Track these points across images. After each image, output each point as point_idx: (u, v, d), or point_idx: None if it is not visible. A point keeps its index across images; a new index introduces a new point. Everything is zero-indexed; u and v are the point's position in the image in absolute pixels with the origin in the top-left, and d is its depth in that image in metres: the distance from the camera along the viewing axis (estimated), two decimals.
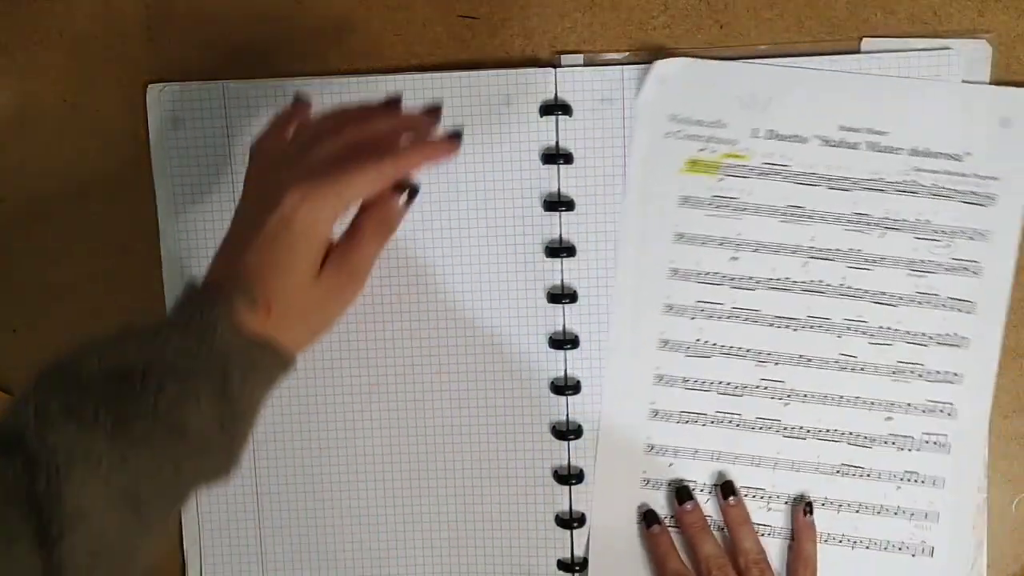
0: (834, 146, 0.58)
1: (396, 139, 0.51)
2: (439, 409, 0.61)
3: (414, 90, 0.60)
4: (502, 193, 0.60)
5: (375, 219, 0.50)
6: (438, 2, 0.59)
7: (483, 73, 0.59)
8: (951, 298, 0.59)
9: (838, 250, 0.59)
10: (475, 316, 0.60)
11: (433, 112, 0.54)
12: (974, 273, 0.58)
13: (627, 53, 0.59)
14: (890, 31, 0.58)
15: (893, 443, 0.60)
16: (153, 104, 0.61)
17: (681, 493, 0.60)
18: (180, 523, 0.63)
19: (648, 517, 0.61)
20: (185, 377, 0.45)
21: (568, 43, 0.59)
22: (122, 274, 0.63)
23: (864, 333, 0.59)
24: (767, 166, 0.58)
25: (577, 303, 0.60)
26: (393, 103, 0.53)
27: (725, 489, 0.60)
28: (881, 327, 0.59)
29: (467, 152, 0.58)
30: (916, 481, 0.60)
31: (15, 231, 0.63)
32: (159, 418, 0.44)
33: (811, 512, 0.60)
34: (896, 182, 0.58)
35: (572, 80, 0.59)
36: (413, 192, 0.52)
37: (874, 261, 0.59)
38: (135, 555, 0.45)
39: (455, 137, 0.51)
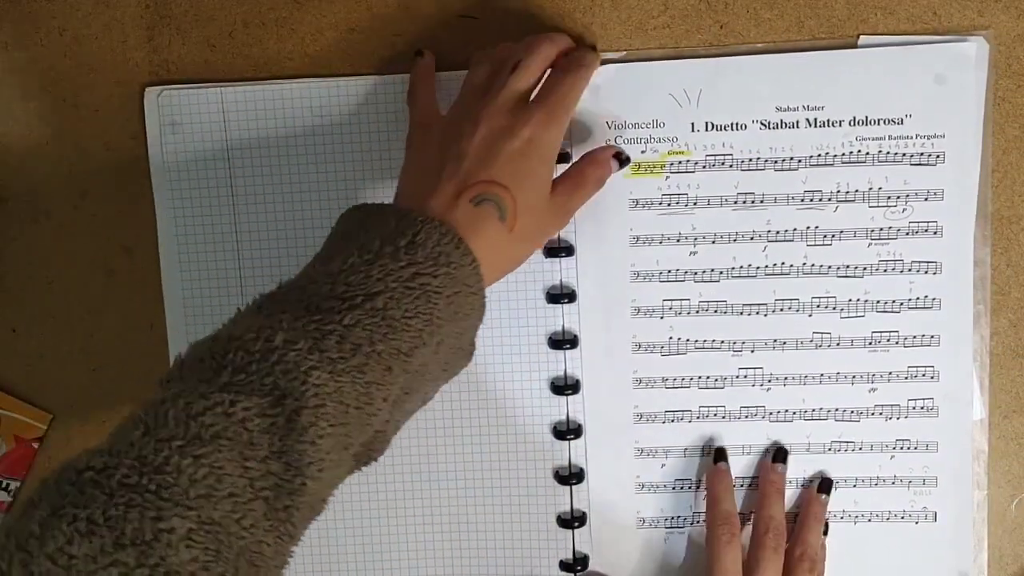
0: (774, 128, 0.57)
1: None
2: (438, 410, 0.61)
3: None
4: None
5: (597, 173, 0.55)
6: (438, 2, 0.59)
7: None
8: (916, 261, 0.58)
9: (795, 230, 0.58)
10: None
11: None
12: (935, 233, 0.58)
13: (626, 53, 0.59)
14: (890, 31, 0.57)
15: (880, 413, 0.59)
16: (151, 107, 0.61)
17: (777, 455, 0.60)
18: None
19: (719, 454, 0.60)
20: (428, 318, 0.46)
21: None
22: (122, 274, 0.63)
23: (834, 308, 0.59)
24: (710, 158, 0.58)
25: (576, 302, 0.60)
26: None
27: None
28: (850, 300, 0.59)
29: None
30: (909, 448, 0.59)
31: (15, 231, 0.63)
32: (396, 358, 0.45)
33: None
34: (842, 154, 0.57)
35: None
36: (626, 160, 0.57)
37: (833, 236, 0.58)
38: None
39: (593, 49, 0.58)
